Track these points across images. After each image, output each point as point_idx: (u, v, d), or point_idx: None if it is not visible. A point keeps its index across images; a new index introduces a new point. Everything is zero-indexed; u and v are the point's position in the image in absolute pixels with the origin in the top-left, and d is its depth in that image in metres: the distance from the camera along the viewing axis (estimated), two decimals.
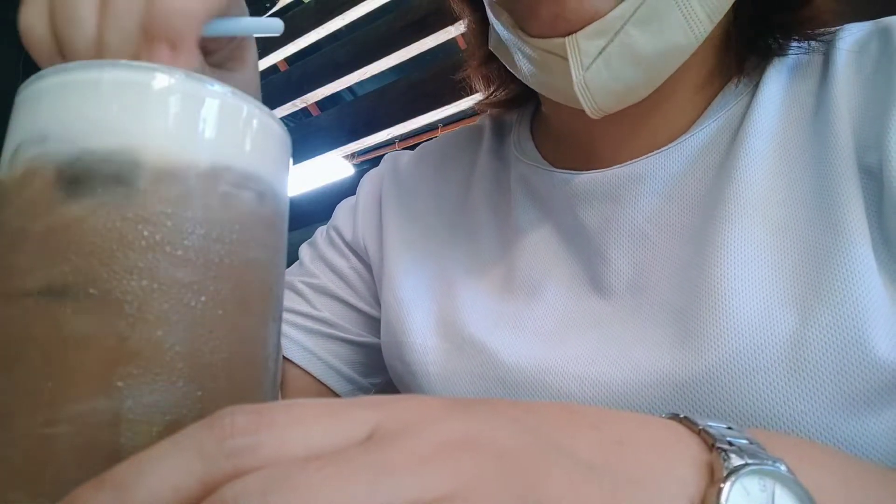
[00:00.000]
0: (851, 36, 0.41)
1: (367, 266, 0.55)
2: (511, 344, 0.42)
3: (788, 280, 0.35)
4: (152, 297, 0.18)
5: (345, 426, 0.17)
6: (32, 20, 0.28)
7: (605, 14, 0.35)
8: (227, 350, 0.20)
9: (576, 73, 0.36)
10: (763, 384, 0.33)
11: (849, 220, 0.34)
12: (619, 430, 0.21)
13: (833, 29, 0.42)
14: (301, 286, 0.55)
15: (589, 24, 0.35)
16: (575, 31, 0.35)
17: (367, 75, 1.69)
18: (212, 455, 0.16)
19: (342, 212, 0.59)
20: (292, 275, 0.57)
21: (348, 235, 0.56)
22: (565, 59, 0.36)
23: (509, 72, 0.47)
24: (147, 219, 0.19)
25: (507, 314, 0.44)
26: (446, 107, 1.49)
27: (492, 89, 0.54)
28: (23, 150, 0.20)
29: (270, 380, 0.23)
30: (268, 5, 1.74)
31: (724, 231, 0.37)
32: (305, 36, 1.71)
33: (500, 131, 0.56)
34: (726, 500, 0.19)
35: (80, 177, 0.19)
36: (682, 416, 0.24)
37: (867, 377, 0.31)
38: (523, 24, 0.38)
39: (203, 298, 0.19)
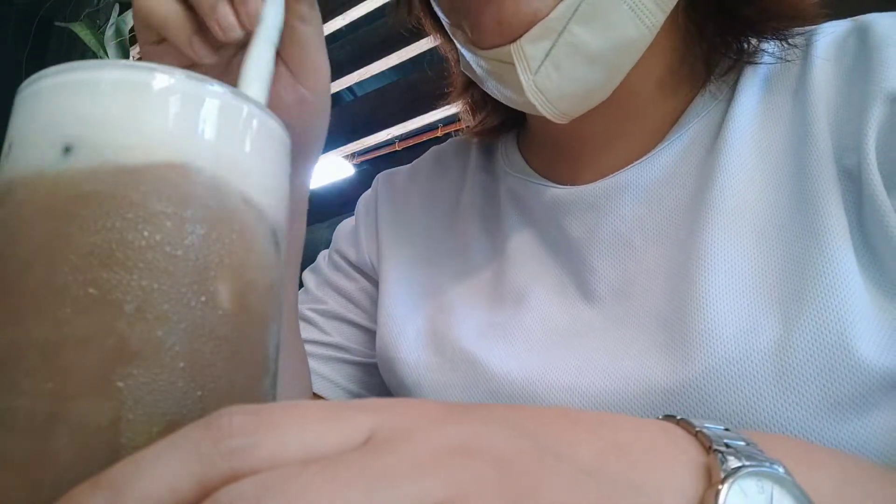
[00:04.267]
0: (828, 35, 0.40)
1: (376, 284, 0.55)
2: (501, 355, 0.42)
3: (772, 286, 0.35)
4: (152, 297, 0.18)
5: (343, 429, 0.17)
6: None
7: (546, 15, 0.35)
8: (227, 350, 0.20)
9: (524, 78, 0.37)
10: (749, 391, 0.33)
11: (830, 223, 0.34)
12: (616, 435, 0.21)
13: (805, 29, 0.41)
14: (310, 314, 0.54)
15: (530, 27, 0.35)
16: (519, 37, 0.36)
17: (367, 75, 1.69)
18: (209, 456, 0.15)
19: (343, 235, 0.59)
20: (299, 303, 0.56)
21: (353, 256, 0.56)
22: (514, 65, 0.36)
23: (490, 97, 0.48)
24: (147, 219, 0.19)
25: (496, 325, 0.44)
26: (446, 107, 1.49)
27: (481, 116, 0.54)
28: (21, 150, 0.20)
29: (271, 380, 0.23)
30: None
31: (706, 238, 0.37)
32: None
33: (487, 143, 0.57)
34: (724, 502, 0.19)
35: (79, 177, 0.19)
36: (678, 417, 0.24)
37: (852, 381, 0.31)
38: (474, 38, 0.38)
39: (203, 298, 0.19)
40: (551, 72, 0.36)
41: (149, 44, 0.33)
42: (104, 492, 0.15)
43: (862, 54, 0.37)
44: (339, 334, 0.54)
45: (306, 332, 0.54)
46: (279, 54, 0.32)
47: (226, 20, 0.28)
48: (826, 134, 0.37)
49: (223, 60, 0.34)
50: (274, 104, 0.29)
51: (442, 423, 0.18)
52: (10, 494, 0.17)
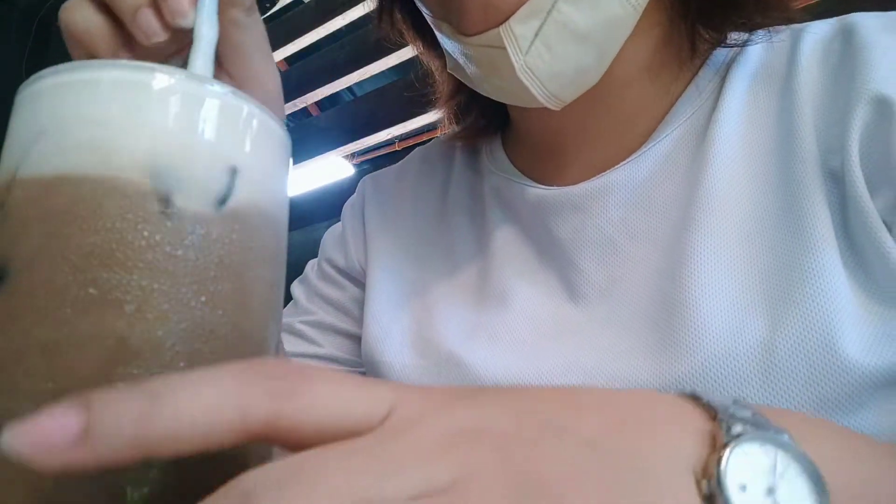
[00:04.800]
0: (815, 35, 0.40)
1: (364, 289, 0.54)
2: (487, 357, 0.42)
3: (758, 287, 0.35)
4: (152, 297, 0.18)
5: (369, 398, 0.18)
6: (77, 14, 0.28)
7: None
8: (227, 350, 0.20)
9: (515, 58, 0.36)
10: (735, 391, 0.33)
11: (815, 225, 0.35)
12: (623, 410, 0.21)
13: (790, 27, 0.41)
14: (301, 327, 0.54)
15: (517, 8, 0.35)
16: (506, 19, 0.36)
17: (367, 75, 1.69)
18: (251, 388, 0.16)
19: (330, 242, 0.59)
20: (290, 316, 0.56)
21: (342, 262, 0.56)
22: (504, 48, 0.36)
23: (478, 100, 0.48)
24: (147, 219, 0.19)
25: (482, 325, 0.44)
26: (440, 104, 1.49)
27: (467, 122, 0.54)
28: (21, 152, 0.20)
29: None
30: (268, 5, 1.74)
31: (693, 239, 0.37)
32: (305, 36, 1.71)
33: (472, 144, 0.56)
34: (726, 465, 0.19)
35: (80, 178, 0.19)
36: (688, 392, 0.24)
37: (838, 381, 0.32)
38: (459, 26, 0.38)
39: (203, 298, 0.19)
40: (542, 51, 0.36)
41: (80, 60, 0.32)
42: (143, 395, 0.15)
43: (847, 55, 0.37)
44: (330, 345, 0.53)
45: (298, 345, 0.53)
46: (222, 66, 0.32)
47: (148, 24, 0.28)
48: (812, 136, 0.37)
49: None
50: None
51: (451, 408, 0.18)
52: (11, 494, 0.17)
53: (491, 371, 0.41)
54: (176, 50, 0.31)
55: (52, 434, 0.14)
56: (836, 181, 0.35)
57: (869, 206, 0.33)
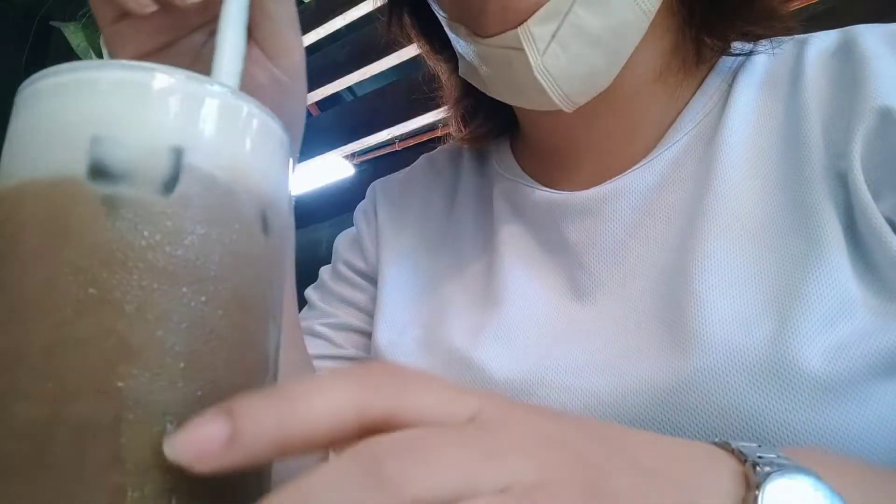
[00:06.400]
0: (820, 44, 0.42)
1: None
2: (497, 357, 0.43)
3: (767, 284, 0.36)
4: (152, 297, 0.18)
5: (459, 398, 0.19)
6: None
7: None
8: (227, 350, 0.20)
9: (533, 58, 0.38)
10: (746, 385, 0.34)
11: (824, 226, 0.36)
12: (670, 447, 0.24)
13: (794, 37, 0.43)
14: (320, 328, 0.54)
15: (536, 9, 0.36)
16: (524, 20, 0.37)
17: (367, 75, 1.69)
18: (367, 391, 0.18)
19: (345, 246, 0.59)
20: (307, 319, 0.55)
21: (360, 265, 0.56)
22: (522, 49, 0.38)
23: (485, 105, 0.50)
24: (147, 219, 0.19)
25: (489, 325, 0.45)
26: (447, 107, 1.49)
27: (473, 125, 0.55)
28: (22, 151, 0.20)
29: (271, 380, 0.23)
30: None
31: (703, 242, 0.38)
32: (305, 36, 1.71)
33: (479, 148, 0.57)
34: (762, 500, 0.21)
35: (80, 177, 0.19)
36: (719, 442, 0.26)
37: (843, 371, 0.33)
38: (477, 28, 0.39)
39: (203, 298, 0.19)
40: (558, 52, 0.37)
41: (109, 24, 0.32)
42: (278, 401, 0.17)
43: (850, 64, 0.39)
44: (352, 346, 0.53)
45: (318, 347, 0.53)
46: (251, 34, 0.31)
47: None
48: (820, 139, 0.38)
49: (194, 47, 0.34)
50: (247, 86, 0.28)
51: (536, 417, 0.20)
52: (11, 495, 0.17)
53: (502, 372, 0.42)
54: (205, 19, 0.31)
55: (204, 442, 0.17)
56: (844, 184, 0.36)
57: (872, 207, 0.35)
